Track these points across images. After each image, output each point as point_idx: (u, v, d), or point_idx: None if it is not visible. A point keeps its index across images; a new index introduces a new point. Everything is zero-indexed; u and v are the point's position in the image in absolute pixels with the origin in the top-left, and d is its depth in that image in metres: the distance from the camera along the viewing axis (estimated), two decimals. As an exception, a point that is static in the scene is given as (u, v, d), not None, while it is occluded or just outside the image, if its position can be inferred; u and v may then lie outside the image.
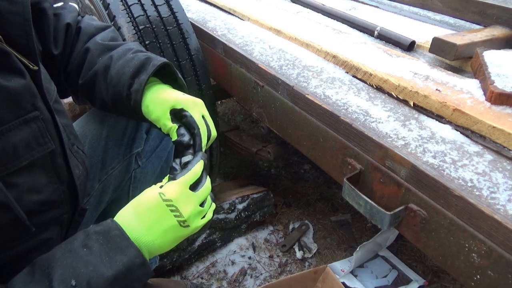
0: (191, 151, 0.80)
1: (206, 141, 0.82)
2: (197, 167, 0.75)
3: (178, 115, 0.83)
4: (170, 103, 0.83)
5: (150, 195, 0.71)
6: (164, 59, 0.89)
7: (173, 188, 0.71)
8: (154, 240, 0.69)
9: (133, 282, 0.66)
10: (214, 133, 0.86)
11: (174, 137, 0.82)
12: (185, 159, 0.79)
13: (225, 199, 1.70)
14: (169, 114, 0.83)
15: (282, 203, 1.95)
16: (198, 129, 0.81)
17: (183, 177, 0.73)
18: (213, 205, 0.79)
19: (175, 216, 0.69)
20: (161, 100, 0.84)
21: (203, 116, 0.85)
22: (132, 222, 0.69)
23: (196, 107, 0.85)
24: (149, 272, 0.68)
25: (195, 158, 0.77)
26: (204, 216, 0.75)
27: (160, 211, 0.69)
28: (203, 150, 0.81)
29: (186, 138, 0.80)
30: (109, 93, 0.89)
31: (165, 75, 0.92)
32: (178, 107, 0.83)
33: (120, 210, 0.72)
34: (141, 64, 0.86)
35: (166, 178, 0.75)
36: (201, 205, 0.74)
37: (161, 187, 0.72)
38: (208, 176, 0.78)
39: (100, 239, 0.65)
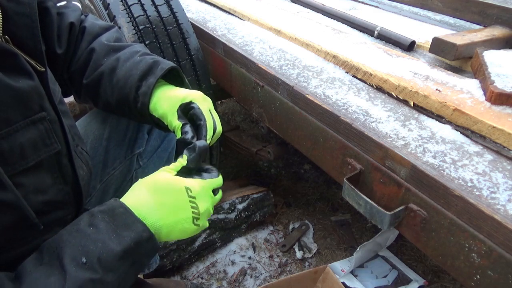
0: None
1: (212, 134, 0.84)
2: (220, 178, 0.79)
3: (186, 109, 0.85)
4: (180, 98, 0.85)
5: (172, 182, 0.72)
6: (172, 63, 0.90)
7: (200, 188, 0.73)
8: (164, 225, 0.69)
9: (142, 257, 0.67)
10: (219, 128, 0.87)
11: (179, 135, 0.83)
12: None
13: (225, 199, 1.69)
14: (176, 111, 0.84)
15: (282, 203, 1.95)
16: (205, 120, 0.83)
17: (211, 181, 0.76)
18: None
19: (193, 213, 0.71)
20: (170, 96, 0.86)
21: (210, 111, 0.86)
22: (145, 201, 0.70)
23: (204, 102, 0.87)
24: (157, 246, 0.69)
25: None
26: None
27: (181, 203, 0.71)
28: (208, 142, 0.82)
29: (189, 135, 0.81)
30: (115, 94, 0.90)
31: (172, 79, 0.92)
32: (187, 100, 0.85)
33: (129, 192, 0.73)
34: (149, 67, 0.87)
35: (178, 164, 0.76)
36: None
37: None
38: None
39: (105, 217, 0.66)
